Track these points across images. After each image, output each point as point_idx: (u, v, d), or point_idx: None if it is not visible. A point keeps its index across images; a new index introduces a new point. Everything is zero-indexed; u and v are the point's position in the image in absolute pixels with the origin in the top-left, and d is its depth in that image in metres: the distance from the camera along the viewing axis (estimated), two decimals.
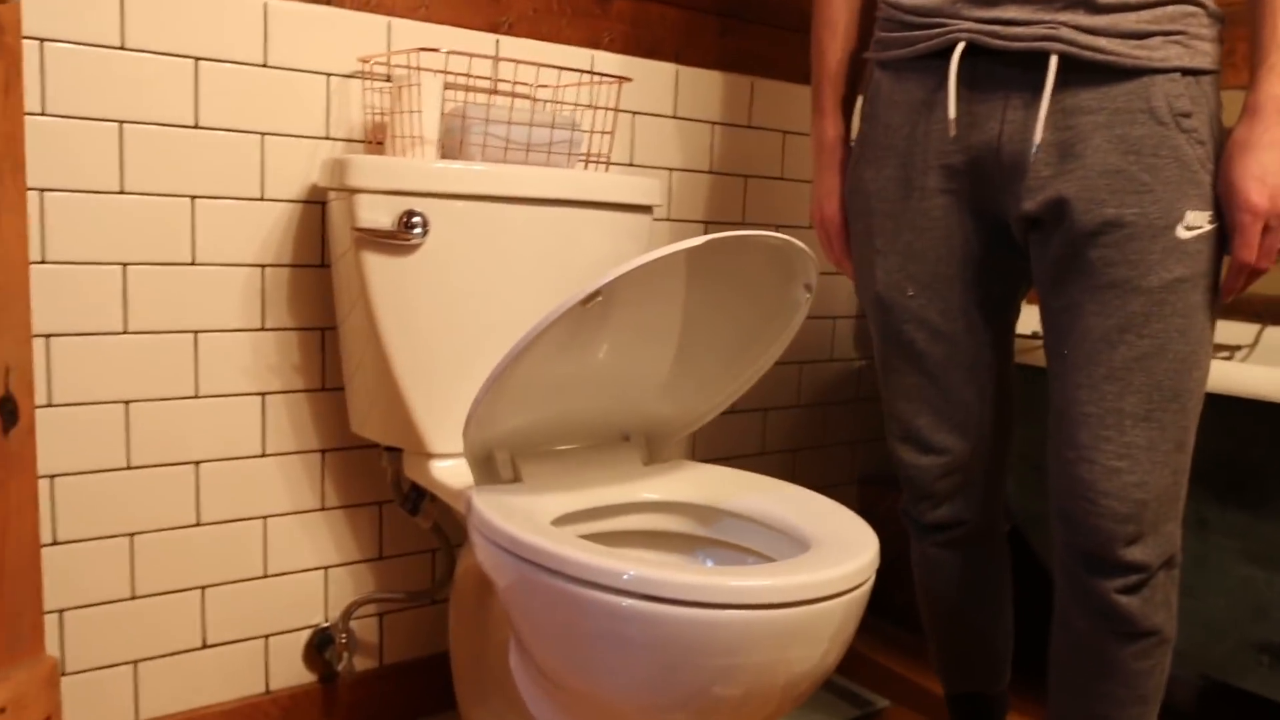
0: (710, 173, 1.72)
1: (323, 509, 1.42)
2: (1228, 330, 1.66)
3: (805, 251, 1.03)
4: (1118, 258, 0.99)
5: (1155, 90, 0.98)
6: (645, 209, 1.37)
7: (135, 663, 1.31)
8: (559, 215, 1.27)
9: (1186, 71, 0.98)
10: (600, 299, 0.94)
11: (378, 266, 1.17)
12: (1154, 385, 0.99)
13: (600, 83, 1.42)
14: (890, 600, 1.98)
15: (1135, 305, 0.99)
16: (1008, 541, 1.27)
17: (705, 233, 1.73)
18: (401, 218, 1.16)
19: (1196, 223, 0.99)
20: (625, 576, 0.87)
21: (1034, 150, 1.01)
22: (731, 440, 1.84)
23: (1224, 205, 0.98)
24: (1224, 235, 1.00)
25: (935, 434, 1.16)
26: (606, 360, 1.03)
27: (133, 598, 1.29)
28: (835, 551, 0.95)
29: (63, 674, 1.26)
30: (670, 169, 1.67)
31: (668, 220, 1.68)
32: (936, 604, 1.26)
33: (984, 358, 1.15)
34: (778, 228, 1.82)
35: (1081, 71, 1.00)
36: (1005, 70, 1.03)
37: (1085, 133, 1.00)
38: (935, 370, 1.14)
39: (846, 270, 1.23)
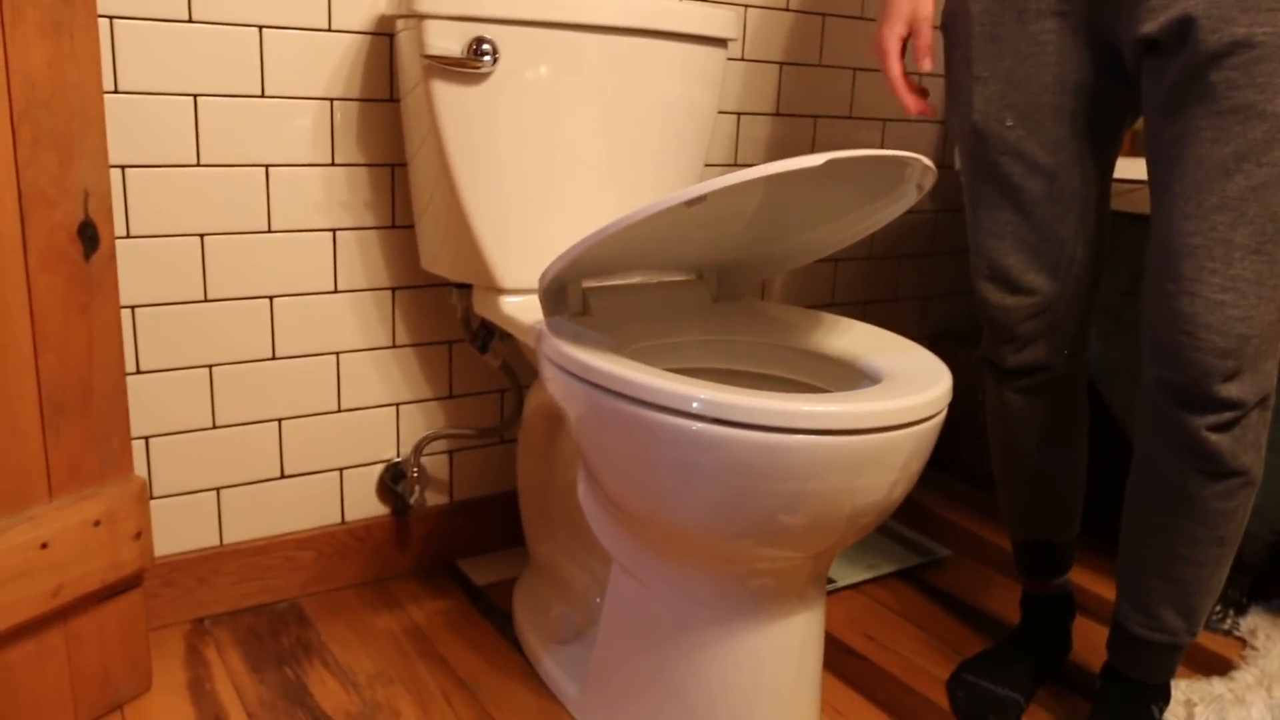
0: (787, 10, 1.66)
1: (394, 346, 1.45)
2: None
3: (929, 167, 0.99)
4: (1243, 80, 0.94)
5: None
6: (720, 42, 1.34)
7: (218, 489, 1.37)
8: (630, 46, 1.24)
9: None
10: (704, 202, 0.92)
11: (447, 96, 1.16)
12: (1269, 217, 0.96)
13: None
14: (956, 456, 1.98)
15: (1258, 131, 0.94)
16: (1086, 391, 1.26)
17: (780, 75, 1.68)
18: (471, 44, 1.14)
19: None
20: (696, 401, 0.88)
21: None
22: (801, 290, 1.83)
23: None
24: None
25: (1025, 273, 1.13)
26: (693, 225, 1.02)
27: (214, 427, 1.35)
28: (908, 383, 0.95)
29: (151, 497, 1.33)
30: (746, 5, 1.61)
31: (741, 60, 1.64)
32: (1011, 451, 1.26)
33: (1082, 194, 1.11)
34: (855, 71, 1.77)
35: None
36: None
37: None
38: (1030, 206, 1.11)
39: (895, 83, 1.14)
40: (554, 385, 1.05)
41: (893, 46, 1.13)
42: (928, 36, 1.12)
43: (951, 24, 1.14)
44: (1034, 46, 1.07)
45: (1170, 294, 1.00)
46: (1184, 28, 0.96)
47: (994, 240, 1.14)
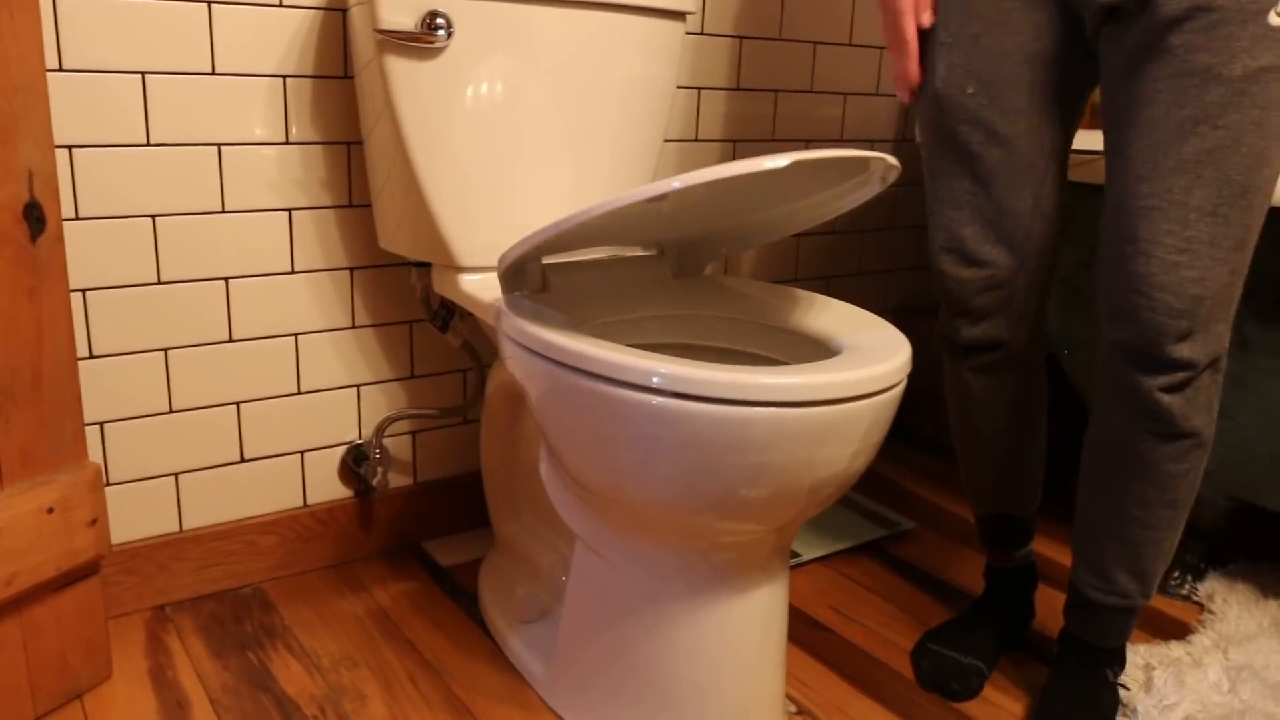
0: None
1: (353, 327, 1.43)
2: None
3: (892, 165, 0.98)
4: (1201, 44, 0.95)
5: None
6: (678, 15, 1.33)
7: (176, 475, 1.36)
8: (587, 20, 1.23)
9: None
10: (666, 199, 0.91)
11: (402, 72, 1.15)
12: (1223, 179, 0.97)
13: None
14: (921, 429, 2.00)
15: (1213, 95, 0.96)
16: (1045, 365, 1.27)
17: (740, 49, 1.68)
18: (425, 19, 1.13)
19: None
20: (656, 376, 0.88)
21: None
22: (764, 265, 1.83)
23: None
24: None
25: (981, 245, 1.14)
26: (658, 211, 1.02)
27: (170, 411, 1.33)
28: (867, 354, 0.95)
29: (107, 484, 1.31)
30: None
31: (700, 34, 1.63)
32: (971, 428, 1.27)
33: (1041, 165, 1.12)
34: (816, 44, 1.77)
35: None
36: None
37: None
38: (988, 176, 1.12)
39: (904, 63, 1.12)
40: (514, 363, 1.04)
41: (907, 3, 1.08)
42: None
43: None
44: (1000, 13, 1.07)
45: (1127, 256, 1.02)
46: None
47: (951, 210, 1.15)
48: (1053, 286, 1.20)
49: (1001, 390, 1.23)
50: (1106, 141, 1.05)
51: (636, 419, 0.91)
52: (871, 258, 1.98)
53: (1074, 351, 1.55)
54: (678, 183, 0.86)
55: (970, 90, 1.10)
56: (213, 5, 1.23)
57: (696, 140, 1.68)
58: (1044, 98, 1.10)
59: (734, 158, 1.73)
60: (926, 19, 1.10)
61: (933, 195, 1.17)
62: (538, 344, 0.98)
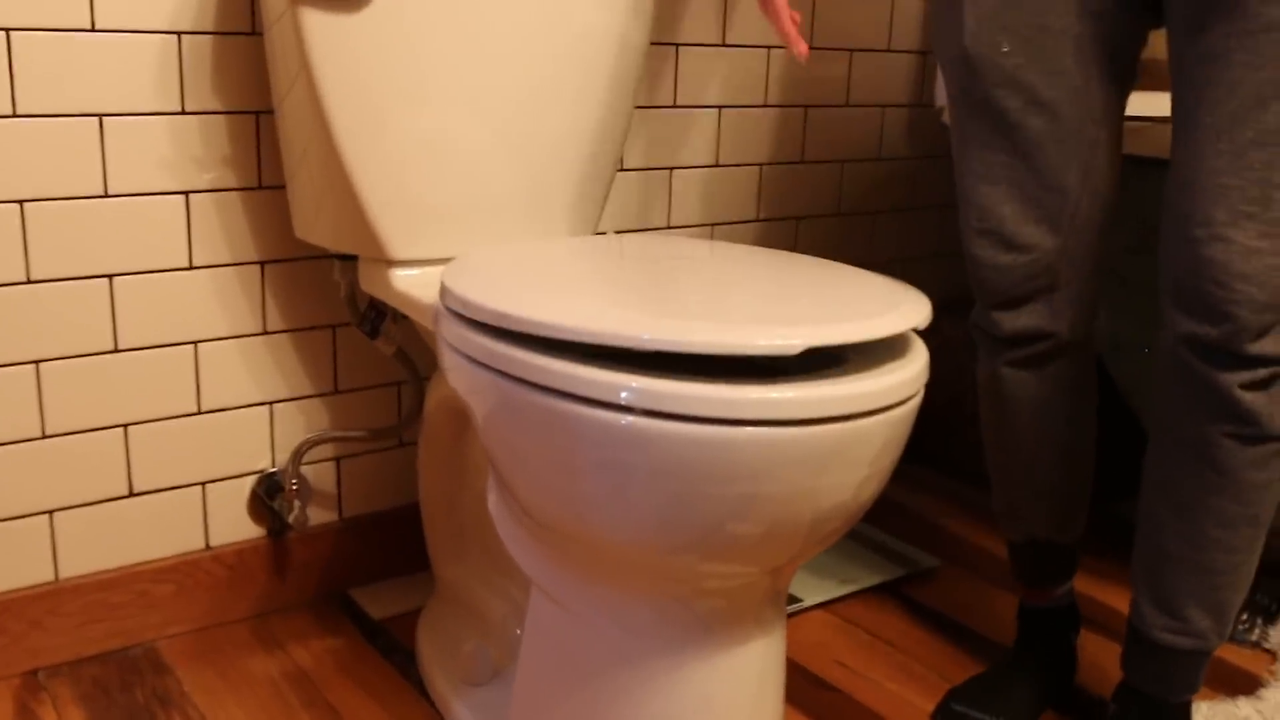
0: None
1: (264, 333, 1.43)
2: None
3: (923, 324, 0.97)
4: None
5: None
6: None
7: (50, 513, 1.35)
8: None
9: None
10: None
11: (320, 27, 1.15)
12: None
13: None
14: (945, 449, 2.01)
15: None
16: (1095, 362, 1.28)
17: None
18: None
19: None
20: (625, 390, 0.88)
21: None
22: None
23: None
24: None
25: (1021, 226, 1.15)
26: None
27: (43, 436, 1.32)
28: (877, 360, 0.96)
29: None
30: None
31: None
32: (1006, 433, 1.28)
33: (1090, 134, 1.13)
34: None
35: None
36: None
37: None
38: (1029, 147, 1.13)
39: None
40: (457, 375, 1.04)
41: None
42: None
43: None
44: None
45: (1199, 240, 1.03)
46: None
47: (986, 187, 1.16)
48: (1103, 270, 1.21)
49: (1044, 388, 1.24)
50: (1174, 104, 1.07)
51: (602, 442, 0.91)
52: (884, 244, 1.99)
53: (1121, 351, 1.56)
54: (647, 336, 0.86)
55: (1005, 49, 1.11)
56: None
57: (675, 106, 1.68)
58: (1092, 54, 1.11)
59: (720, 126, 1.74)
60: None
61: (964, 170, 1.18)
62: (483, 353, 0.98)
